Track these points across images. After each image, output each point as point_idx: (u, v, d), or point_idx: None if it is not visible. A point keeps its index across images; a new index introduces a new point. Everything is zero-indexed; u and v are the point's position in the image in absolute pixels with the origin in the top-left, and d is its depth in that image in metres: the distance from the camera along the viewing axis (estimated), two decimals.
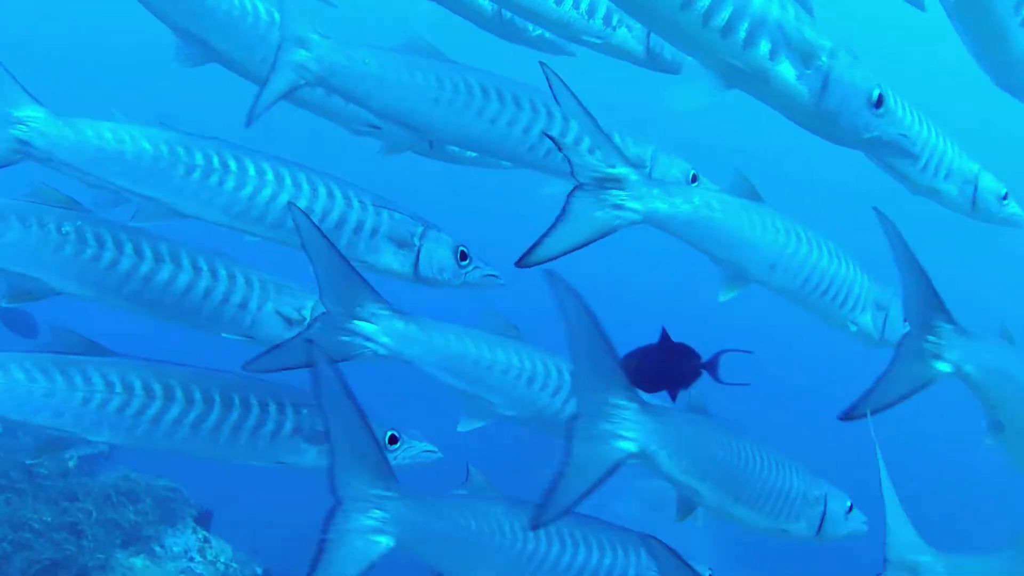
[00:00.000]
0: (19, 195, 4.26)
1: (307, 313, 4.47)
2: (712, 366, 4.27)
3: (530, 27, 4.70)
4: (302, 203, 4.20)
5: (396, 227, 4.42)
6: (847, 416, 3.47)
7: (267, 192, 4.26)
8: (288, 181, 4.29)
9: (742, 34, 3.18)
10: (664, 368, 4.71)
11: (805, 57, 3.25)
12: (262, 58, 4.47)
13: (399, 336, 3.99)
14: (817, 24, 3.33)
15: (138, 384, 4.16)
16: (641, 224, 3.67)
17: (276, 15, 4.52)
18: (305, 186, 4.31)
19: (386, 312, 3.95)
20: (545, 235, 3.41)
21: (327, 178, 4.38)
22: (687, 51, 3.34)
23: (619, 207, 3.55)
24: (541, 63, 3.50)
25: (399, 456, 4.41)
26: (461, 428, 4.41)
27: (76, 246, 4.23)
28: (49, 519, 7.35)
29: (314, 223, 3.78)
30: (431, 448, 4.52)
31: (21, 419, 4.09)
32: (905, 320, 3.64)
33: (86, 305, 4.30)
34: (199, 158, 4.22)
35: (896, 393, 3.50)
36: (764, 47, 3.21)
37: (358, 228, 4.37)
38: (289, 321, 4.46)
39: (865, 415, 3.46)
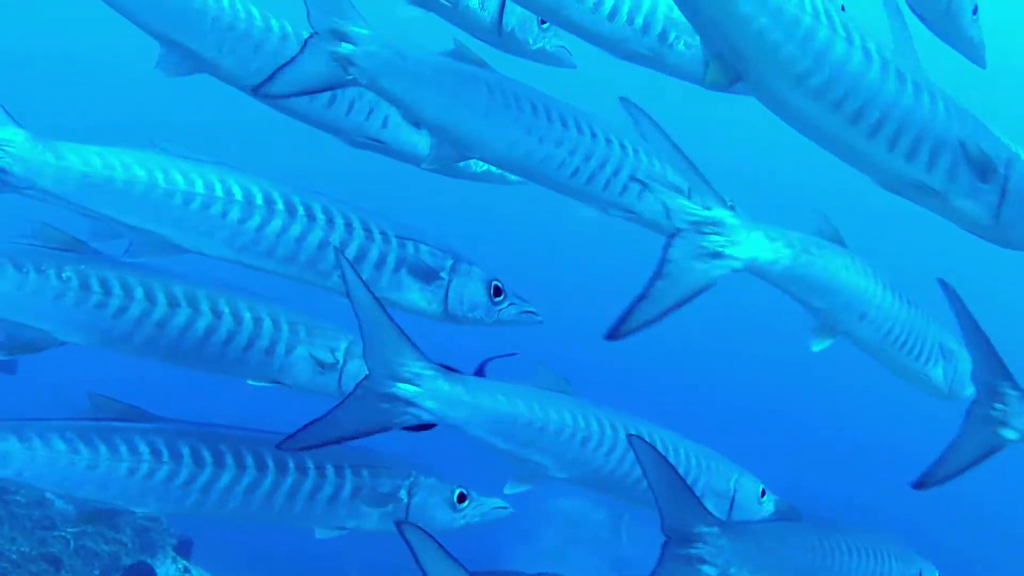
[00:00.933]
0: (17, 236, 3.90)
1: (340, 355, 4.08)
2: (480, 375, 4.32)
3: (530, 39, 4.35)
4: (316, 235, 3.86)
5: (422, 260, 4.04)
6: (921, 485, 3.35)
7: (277, 224, 3.86)
8: (301, 212, 3.89)
9: (924, 156, 3.02)
10: None
11: (983, 171, 3.08)
12: (258, 69, 4.05)
13: (444, 399, 3.64)
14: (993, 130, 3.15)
15: (186, 451, 3.83)
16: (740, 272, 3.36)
17: (274, 22, 4.20)
18: (320, 216, 3.91)
19: (430, 372, 3.59)
20: (641, 297, 3.03)
21: (345, 206, 3.98)
22: (856, 166, 3.08)
23: (718, 255, 3.23)
24: (622, 99, 3.24)
25: (468, 515, 4.15)
26: (508, 491, 4.10)
27: (79, 293, 3.80)
28: (26, 549, 7.21)
29: (358, 272, 3.43)
30: (502, 504, 4.23)
31: (64, 492, 3.82)
32: (973, 386, 3.45)
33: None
34: (199, 186, 3.81)
35: (965, 461, 3.39)
36: (942, 165, 3.04)
37: (380, 262, 3.97)
38: (322, 364, 4.06)
39: (939, 483, 3.36)
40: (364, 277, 3.73)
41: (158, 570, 7.59)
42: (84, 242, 3.91)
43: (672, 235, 3.17)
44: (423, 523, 3.92)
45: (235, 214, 3.84)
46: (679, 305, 3.10)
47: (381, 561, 10.22)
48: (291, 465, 3.91)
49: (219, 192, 3.83)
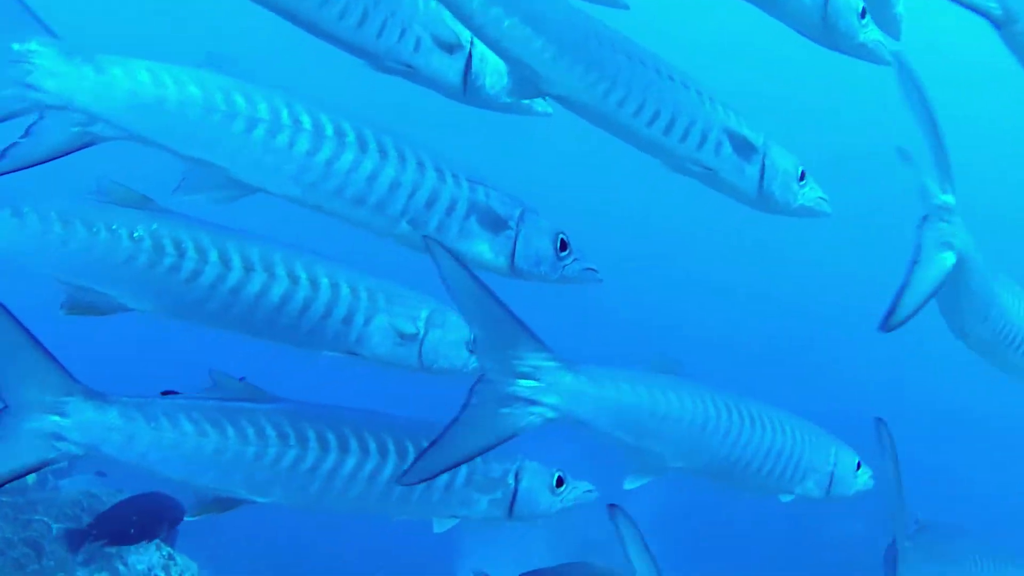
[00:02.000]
0: (83, 193, 3.59)
1: (422, 324, 3.81)
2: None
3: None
4: (389, 172, 3.50)
5: (493, 208, 3.70)
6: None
7: (347, 158, 3.46)
8: (372, 146, 3.51)
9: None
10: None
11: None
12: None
13: (568, 394, 3.44)
14: None
15: (312, 435, 3.61)
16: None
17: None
18: (392, 153, 3.54)
19: (551, 364, 3.40)
20: (905, 285, 3.20)
21: (416, 145, 3.64)
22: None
23: (947, 243, 3.40)
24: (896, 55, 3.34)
25: (565, 499, 4.00)
26: (628, 486, 3.88)
27: (151, 255, 3.49)
28: (8, 535, 7.16)
29: (457, 260, 3.20)
30: (591, 488, 4.08)
31: (186, 478, 3.52)
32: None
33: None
34: (263, 110, 3.38)
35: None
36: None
37: (451, 208, 3.61)
38: (402, 335, 3.78)
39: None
40: (435, 223, 3.58)
41: (141, 557, 7.55)
42: (152, 199, 3.60)
43: (921, 220, 3.35)
44: (527, 509, 3.88)
45: (303, 145, 3.42)
46: (938, 291, 3.24)
47: (361, 550, 10.29)
48: (412, 451, 3.68)
49: (286, 119, 3.41)
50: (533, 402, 3.36)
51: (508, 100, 4.03)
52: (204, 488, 3.51)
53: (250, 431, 3.53)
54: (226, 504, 3.54)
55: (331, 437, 3.62)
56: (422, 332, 3.80)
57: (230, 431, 3.51)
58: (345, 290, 3.72)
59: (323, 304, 3.66)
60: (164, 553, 7.61)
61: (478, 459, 3.67)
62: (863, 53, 3.95)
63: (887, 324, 3.21)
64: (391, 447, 3.68)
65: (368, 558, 10.03)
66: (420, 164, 3.58)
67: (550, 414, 3.40)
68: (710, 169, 3.90)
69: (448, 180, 3.62)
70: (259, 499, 3.56)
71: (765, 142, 4.04)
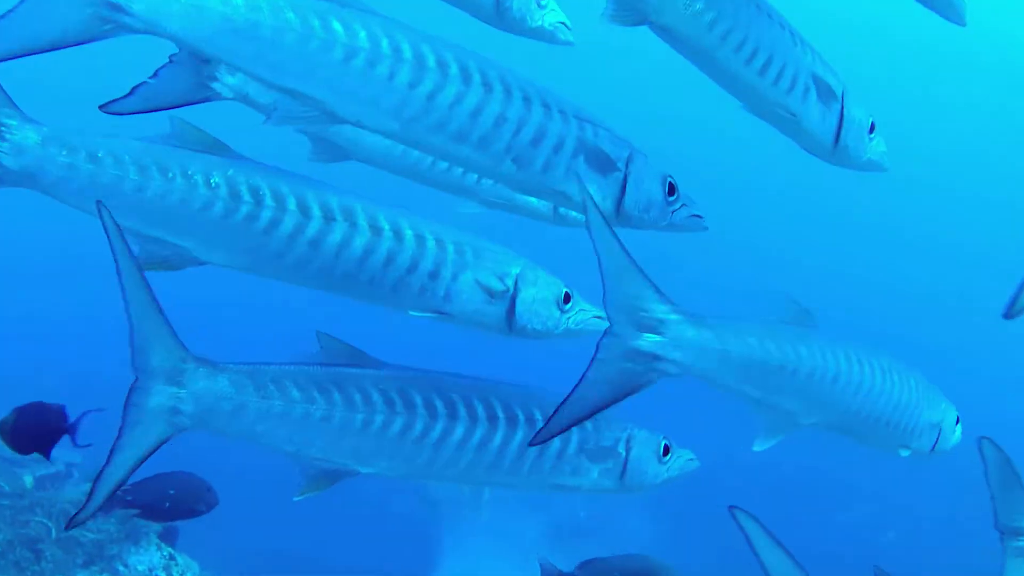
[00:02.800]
0: (153, 136, 3.40)
1: (511, 282, 3.59)
2: (73, 428, 4.33)
3: (528, 18, 3.94)
4: (493, 107, 3.26)
5: (603, 147, 3.44)
6: (1009, 312, 3.35)
7: (451, 91, 3.21)
8: (477, 79, 3.26)
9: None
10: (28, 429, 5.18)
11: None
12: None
13: (693, 348, 3.28)
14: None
15: (419, 401, 3.45)
16: None
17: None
18: (497, 86, 3.30)
19: (675, 317, 3.24)
20: None
21: (521, 79, 3.40)
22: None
23: None
24: None
25: (671, 467, 3.83)
26: (757, 448, 3.74)
27: (228, 203, 3.26)
28: (8, 537, 7.13)
29: (597, 205, 3.07)
30: (693, 456, 3.93)
31: (295, 450, 3.37)
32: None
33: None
34: (362, 38, 3.13)
35: None
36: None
37: (558, 146, 3.37)
38: (491, 293, 3.55)
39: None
40: (540, 163, 3.35)
41: (141, 558, 7.53)
42: (225, 144, 3.39)
43: None
44: (637, 478, 3.75)
45: (404, 76, 3.17)
46: None
47: (359, 552, 10.26)
48: (522, 418, 3.54)
49: (385, 48, 3.16)
50: (657, 357, 3.23)
51: (534, 26, 3.79)
52: (312, 460, 3.39)
53: (357, 398, 3.40)
54: (333, 477, 3.42)
55: (439, 404, 3.47)
56: (512, 290, 3.58)
57: (337, 398, 3.37)
58: (431, 243, 3.50)
59: (408, 257, 3.45)
60: (165, 553, 7.58)
61: (589, 426, 3.59)
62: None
63: (1010, 311, 3.23)
64: (500, 414, 3.53)
65: (360, 562, 10.00)
66: (526, 99, 3.35)
67: (672, 370, 3.28)
68: (794, 115, 3.74)
69: (555, 116, 3.38)
70: (364, 469, 3.43)
71: (844, 90, 3.87)
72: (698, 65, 3.63)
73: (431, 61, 3.20)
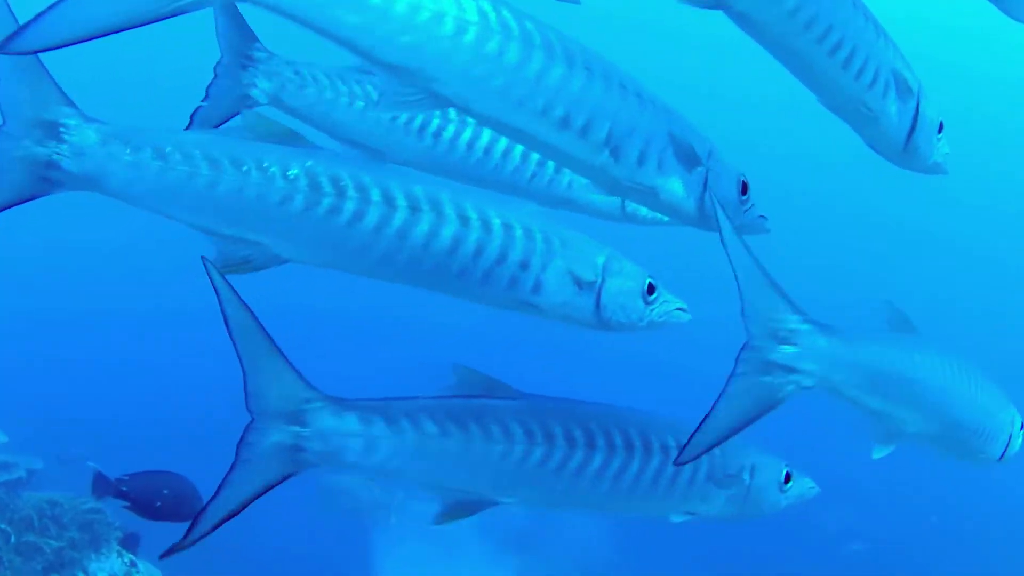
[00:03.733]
0: (225, 128, 3.34)
1: (599, 273, 3.44)
2: None
3: None
4: (596, 92, 3.09)
5: (689, 142, 3.29)
6: None
7: (556, 73, 3.03)
8: (579, 60, 3.09)
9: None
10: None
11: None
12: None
13: (825, 359, 3.24)
14: None
15: (559, 432, 3.41)
16: None
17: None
18: (597, 70, 3.13)
19: (807, 327, 3.21)
20: None
21: (612, 65, 3.23)
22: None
23: None
24: None
25: (791, 495, 3.81)
26: (876, 456, 3.73)
27: (308, 195, 3.09)
28: None
29: (726, 212, 3.02)
30: (812, 484, 3.89)
31: (432, 483, 3.33)
32: None
33: None
34: (471, 10, 2.91)
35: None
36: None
37: (651, 137, 3.20)
38: (580, 282, 3.40)
39: None
40: (635, 155, 3.18)
41: (102, 565, 7.43)
42: (300, 135, 3.24)
43: None
44: (758, 506, 3.73)
45: (513, 55, 2.97)
46: None
47: (324, 557, 10.19)
48: (656, 445, 3.52)
49: (494, 23, 2.94)
50: (792, 369, 3.20)
51: None
52: (450, 492, 3.34)
53: (495, 429, 3.34)
54: (472, 507, 3.37)
55: (577, 433, 3.43)
56: (600, 280, 3.43)
57: (475, 430, 3.32)
58: (519, 231, 3.34)
59: (497, 247, 3.29)
60: (126, 560, 7.49)
61: (717, 453, 3.55)
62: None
63: None
64: (636, 442, 3.51)
65: (325, 569, 9.95)
66: (622, 86, 3.19)
67: (807, 381, 3.23)
68: (871, 112, 3.56)
69: (648, 106, 3.23)
70: (505, 500, 3.37)
71: (920, 87, 3.68)
72: (776, 55, 3.43)
73: (537, 38, 3.01)
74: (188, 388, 14.68)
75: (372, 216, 3.15)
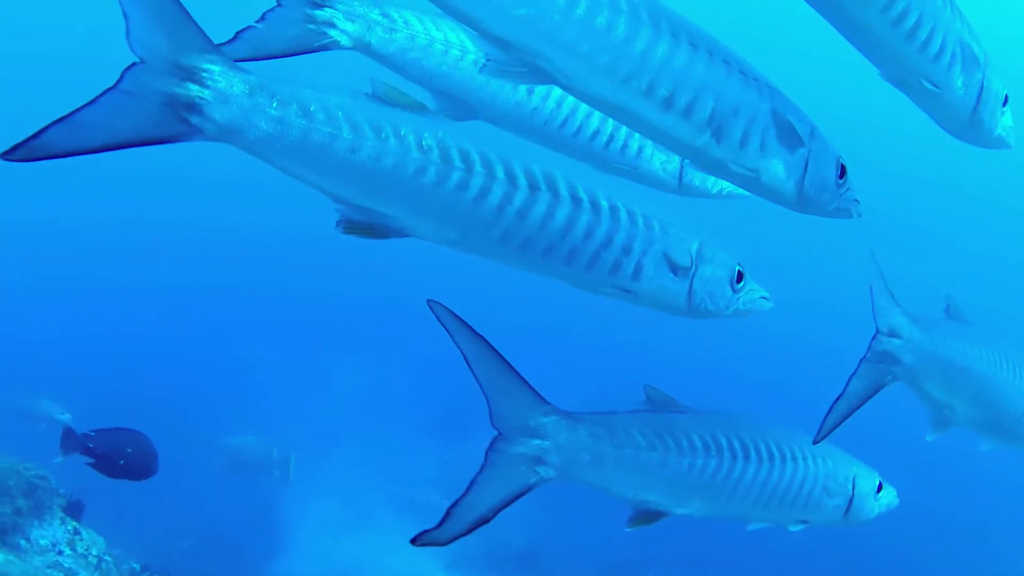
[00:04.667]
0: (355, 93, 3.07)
1: (694, 259, 3.37)
2: None
3: None
4: (699, 70, 2.95)
5: (791, 122, 3.15)
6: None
7: (662, 49, 2.91)
8: (683, 37, 2.97)
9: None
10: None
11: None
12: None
13: (919, 352, 3.56)
14: None
15: (724, 442, 3.61)
16: None
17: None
18: (701, 46, 3.03)
19: (906, 319, 3.54)
20: None
21: (714, 40, 3.10)
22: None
23: None
24: None
25: (881, 504, 4.06)
26: (930, 438, 3.93)
27: (440, 168, 2.94)
28: None
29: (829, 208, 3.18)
30: (895, 494, 4.11)
31: (635, 494, 3.50)
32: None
33: None
34: None
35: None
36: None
37: (754, 116, 3.06)
38: (675, 268, 3.33)
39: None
40: (738, 135, 3.04)
41: (44, 532, 7.17)
42: (424, 105, 3.10)
43: None
44: (859, 514, 3.96)
45: (620, 30, 2.85)
46: None
47: (263, 521, 10.07)
48: (788, 454, 3.75)
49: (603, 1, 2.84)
50: (896, 360, 3.49)
51: None
52: (647, 502, 3.51)
53: (684, 442, 3.53)
54: (653, 516, 3.55)
55: (738, 446, 3.65)
56: (694, 266, 3.36)
57: (670, 443, 3.49)
58: (623, 214, 3.24)
59: (604, 230, 3.19)
60: (69, 528, 7.23)
61: (830, 463, 3.83)
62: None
63: None
64: (776, 452, 3.74)
65: (263, 531, 9.81)
66: (726, 62, 3.04)
67: (900, 374, 3.54)
68: (937, 88, 3.42)
69: (751, 84, 3.08)
70: (679, 510, 3.55)
71: (986, 57, 3.54)
72: (839, 26, 3.30)
73: (644, 14, 2.89)
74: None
75: (496, 193, 3.02)
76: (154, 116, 2.58)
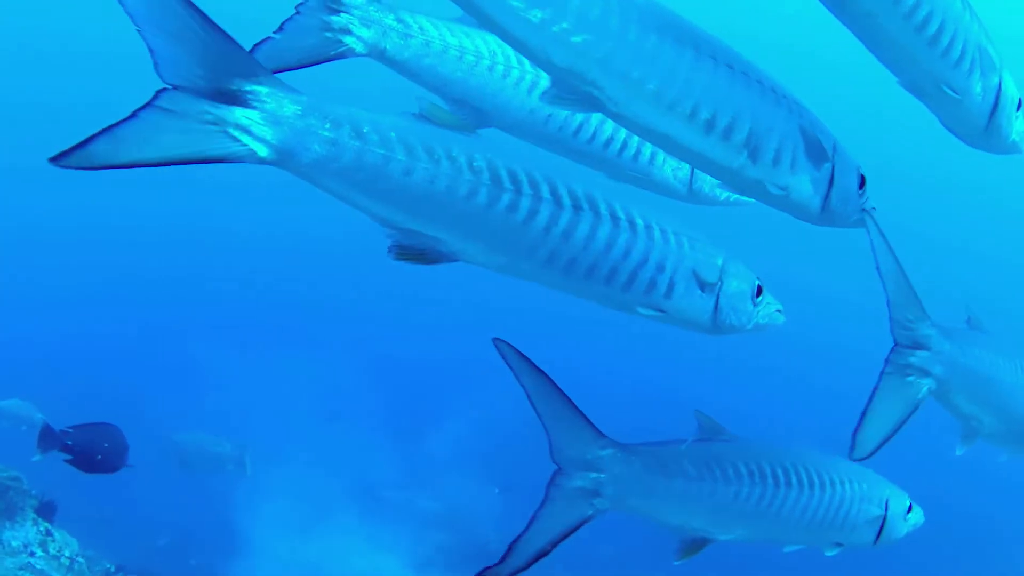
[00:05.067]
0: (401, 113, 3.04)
1: (719, 275, 3.37)
2: None
3: None
4: (739, 91, 3.00)
5: (817, 137, 3.16)
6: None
7: (704, 71, 2.94)
8: (721, 57, 3.00)
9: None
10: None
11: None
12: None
13: (948, 363, 3.55)
14: None
15: (767, 469, 3.75)
16: None
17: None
18: (737, 66, 3.06)
19: (934, 331, 3.55)
20: None
21: (742, 58, 3.12)
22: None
23: None
24: None
25: (909, 525, 4.17)
26: (959, 452, 3.97)
27: (491, 189, 2.90)
28: None
29: (887, 243, 3.23)
30: (921, 513, 4.21)
31: (682, 523, 3.65)
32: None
33: None
34: (632, 9, 2.85)
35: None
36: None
37: (785, 135, 3.09)
38: (703, 285, 3.33)
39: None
40: (771, 155, 3.06)
41: (16, 533, 7.04)
42: (472, 127, 3.08)
43: None
44: (888, 535, 4.07)
45: (668, 55, 2.90)
46: None
47: (224, 521, 9.99)
48: (827, 480, 3.88)
49: (651, 20, 2.90)
50: (925, 372, 3.51)
51: None
52: (693, 529, 3.63)
53: (731, 472, 3.65)
54: (699, 545, 3.68)
55: (780, 473, 3.76)
56: (719, 282, 3.36)
57: (718, 474, 3.62)
58: (657, 232, 3.24)
59: (641, 248, 3.18)
60: (42, 529, 7.11)
61: (866, 486, 3.96)
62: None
63: None
64: (816, 478, 3.85)
65: (234, 536, 9.74)
66: (760, 82, 3.07)
67: (932, 386, 3.56)
68: (957, 94, 3.38)
69: (782, 102, 3.11)
70: (723, 536, 3.67)
71: (1001, 62, 3.51)
72: (859, 32, 3.25)
73: (687, 37, 2.93)
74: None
75: (544, 214, 3.00)
76: (201, 135, 2.50)
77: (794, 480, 3.77)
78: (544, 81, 3.50)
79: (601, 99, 2.83)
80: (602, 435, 3.35)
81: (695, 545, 3.68)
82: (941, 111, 3.48)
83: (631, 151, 4.03)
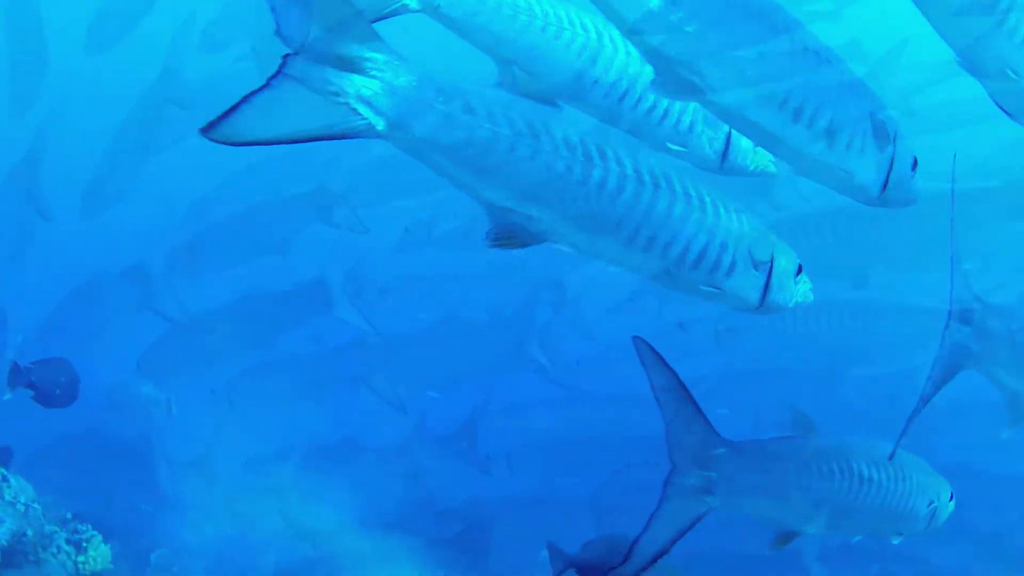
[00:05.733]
0: (485, 84, 3.12)
1: (771, 254, 3.38)
2: None
3: None
4: (808, 70, 3.07)
5: (882, 121, 3.21)
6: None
7: (795, 61, 3.05)
8: (809, 45, 3.07)
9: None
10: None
11: None
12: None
13: (993, 338, 3.79)
14: None
15: (855, 468, 4.03)
16: None
17: None
18: (822, 52, 3.12)
19: (978, 305, 3.77)
20: None
21: (821, 43, 3.17)
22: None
23: None
24: None
25: (947, 514, 4.37)
26: (1004, 436, 4.16)
27: (584, 166, 2.91)
28: None
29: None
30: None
31: (769, 517, 3.93)
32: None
33: None
34: None
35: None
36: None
37: (858, 119, 3.15)
38: (756, 264, 3.32)
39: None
40: (844, 140, 3.13)
41: None
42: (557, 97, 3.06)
43: None
44: (936, 523, 4.26)
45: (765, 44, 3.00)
46: None
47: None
48: (900, 474, 4.11)
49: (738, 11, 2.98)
50: (968, 348, 3.68)
51: None
52: (783, 522, 3.86)
53: (824, 469, 3.90)
54: (789, 537, 3.86)
55: (864, 469, 3.99)
56: (770, 261, 3.36)
57: (813, 469, 3.86)
58: (721, 210, 3.24)
59: (708, 225, 3.19)
60: None
61: (927, 476, 4.16)
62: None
63: None
64: (892, 473, 4.08)
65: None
66: (840, 71, 3.15)
67: (978, 365, 3.75)
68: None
69: (854, 88, 3.16)
70: (809, 530, 3.88)
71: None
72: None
73: (780, 24, 2.99)
74: None
75: (629, 192, 3.01)
76: (323, 108, 2.47)
77: (874, 476, 4.00)
78: (594, 44, 3.54)
79: (701, 86, 2.92)
80: (717, 434, 3.50)
81: (787, 538, 3.89)
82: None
83: (672, 119, 4.00)
